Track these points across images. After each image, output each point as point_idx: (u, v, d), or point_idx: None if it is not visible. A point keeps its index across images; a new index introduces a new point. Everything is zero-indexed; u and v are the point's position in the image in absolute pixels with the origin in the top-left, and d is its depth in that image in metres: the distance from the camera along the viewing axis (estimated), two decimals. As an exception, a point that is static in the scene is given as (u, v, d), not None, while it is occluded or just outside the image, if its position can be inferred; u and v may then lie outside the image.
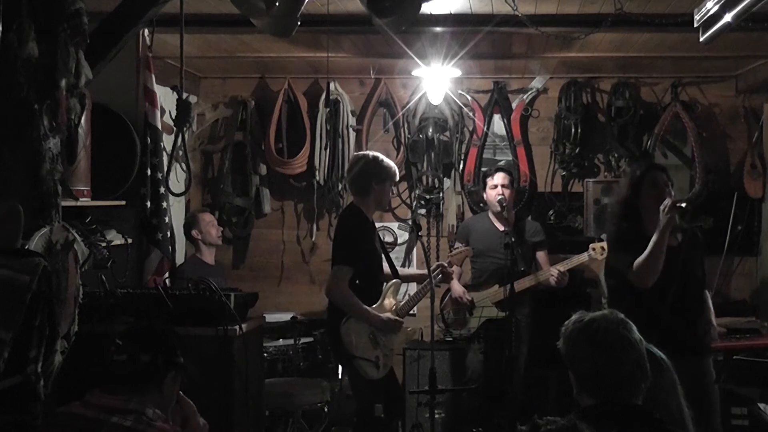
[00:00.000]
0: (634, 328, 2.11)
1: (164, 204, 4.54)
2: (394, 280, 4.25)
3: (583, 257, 4.95)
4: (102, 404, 2.30)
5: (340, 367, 5.17)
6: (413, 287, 4.57)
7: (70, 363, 2.80)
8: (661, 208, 3.50)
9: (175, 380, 2.46)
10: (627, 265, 3.61)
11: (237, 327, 3.36)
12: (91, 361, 2.54)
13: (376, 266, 4.16)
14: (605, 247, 4.87)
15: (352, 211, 4.18)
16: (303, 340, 5.13)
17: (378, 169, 4.12)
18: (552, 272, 4.90)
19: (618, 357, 2.03)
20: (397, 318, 4.11)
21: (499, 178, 5.06)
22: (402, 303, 4.28)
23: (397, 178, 4.29)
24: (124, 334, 2.46)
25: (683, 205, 3.48)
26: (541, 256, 5.17)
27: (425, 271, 4.47)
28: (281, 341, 5.18)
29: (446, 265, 4.46)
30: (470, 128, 5.90)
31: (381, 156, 4.19)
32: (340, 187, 5.82)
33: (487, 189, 5.12)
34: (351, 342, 3.96)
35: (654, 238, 3.48)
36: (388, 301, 4.17)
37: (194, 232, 5.17)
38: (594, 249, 4.92)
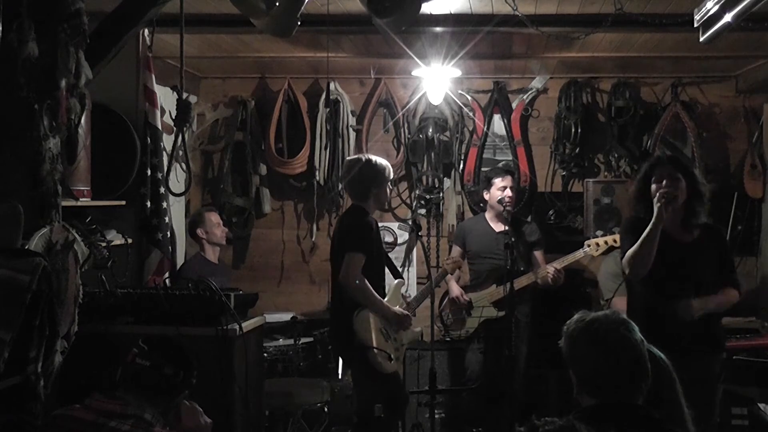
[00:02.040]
0: (636, 328, 2.10)
1: (164, 204, 4.54)
2: (398, 279, 4.27)
3: (579, 254, 4.94)
4: (101, 408, 2.30)
5: (340, 367, 5.17)
6: (412, 289, 4.59)
7: (71, 363, 2.80)
8: (654, 200, 3.52)
9: (183, 399, 2.47)
10: (623, 253, 3.64)
11: (237, 327, 3.36)
12: (106, 359, 2.54)
13: (381, 262, 4.19)
14: (600, 242, 4.89)
15: (357, 210, 4.20)
16: (303, 340, 5.12)
17: (375, 173, 4.14)
18: (548, 269, 4.90)
19: (619, 357, 2.03)
20: (408, 313, 4.16)
21: (508, 180, 5.07)
22: (406, 303, 4.29)
23: (392, 176, 4.30)
24: (149, 340, 2.46)
25: (667, 191, 3.48)
26: (537, 255, 5.17)
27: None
28: (281, 341, 5.17)
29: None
30: (470, 128, 5.90)
31: (374, 158, 4.21)
32: (340, 187, 5.82)
33: (494, 189, 5.09)
34: (366, 333, 3.94)
35: (646, 231, 3.49)
36: (394, 299, 4.19)
37: (199, 231, 5.18)
38: (589, 245, 4.92)
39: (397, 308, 4.11)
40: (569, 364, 2.10)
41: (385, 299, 4.11)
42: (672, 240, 3.59)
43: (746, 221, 5.60)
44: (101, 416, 2.28)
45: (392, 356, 4.01)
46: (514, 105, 5.88)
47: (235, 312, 3.38)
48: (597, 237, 5.02)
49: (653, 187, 3.59)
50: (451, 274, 4.92)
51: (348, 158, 4.55)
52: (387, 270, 4.33)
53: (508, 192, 5.02)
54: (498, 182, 5.09)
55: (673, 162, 3.69)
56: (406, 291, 4.48)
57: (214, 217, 5.24)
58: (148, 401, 2.34)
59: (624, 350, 2.04)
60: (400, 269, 5.88)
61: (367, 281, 3.95)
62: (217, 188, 5.96)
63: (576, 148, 5.72)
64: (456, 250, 5.30)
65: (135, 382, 2.37)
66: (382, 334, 4.01)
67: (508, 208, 4.95)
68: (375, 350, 3.91)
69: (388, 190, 4.29)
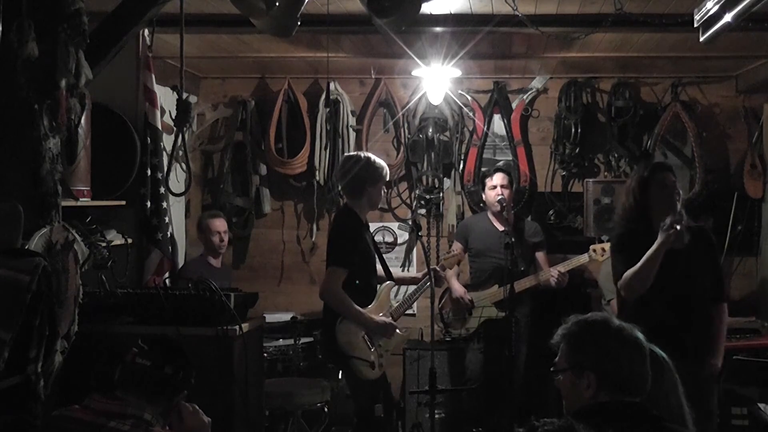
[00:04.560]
0: None
1: (164, 204, 4.55)
2: (388, 282, 4.25)
3: (584, 258, 4.95)
4: (100, 408, 2.30)
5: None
6: (410, 289, 4.57)
7: (71, 363, 2.80)
8: (661, 224, 3.44)
9: (182, 399, 2.47)
10: (620, 273, 3.57)
11: (237, 327, 3.36)
12: (107, 358, 2.54)
13: (370, 268, 4.16)
14: (605, 248, 4.88)
15: (345, 212, 4.19)
16: (303, 340, 5.12)
17: (371, 171, 4.11)
18: (552, 273, 4.90)
19: (645, 358, 2.06)
20: (391, 321, 4.12)
21: (498, 178, 5.07)
22: (396, 305, 4.27)
23: (388, 179, 4.30)
24: (148, 340, 2.46)
25: (678, 227, 3.40)
26: (540, 256, 5.18)
27: (417, 275, 4.52)
28: (281, 341, 5.18)
29: (439, 269, 4.46)
30: (470, 128, 5.90)
31: (373, 157, 4.19)
32: (340, 187, 5.81)
33: (486, 189, 5.12)
34: (347, 342, 3.96)
35: (647, 254, 3.43)
36: (382, 303, 4.17)
37: (199, 236, 5.24)
38: (594, 250, 4.93)
39: (378, 317, 4.07)
40: (590, 365, 2.07)
41: (373, 303, 4.10)
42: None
43: (746, 221, 5.60)
44: (101, 416, 2.27)
45: (375, 363, 4.01)
46: (514, 105, 5.88)
47: (235, 312, 3.38)
48: (603, 242, 5.02)
49: (660, 194, 3.53)
50: (449, 269, 4.89)
51: (346, 154, 4.51)
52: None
53: (498, 191, 5.02)
54: (488, 182, 5.10)
55: (670, 168, 3.68)
56: (397, 292, 4.47)
57: (214, 225, 5.23)
58: (147, 401, 2.34)
59: (646, 351, 2.07)
60: (400, 269, 5.91)
61: (344, 295, 3.95)
62: (217, 188, 5.96)
63: (576, 148, 5.72)
64: (457, 247, 5.29)
65: (135, 381, 2.36)
66: (365, 342, 4.01)
67: (503, 205, 4.94)
68: (354, 359, 3.93)
69: (382, 192, 4.27)
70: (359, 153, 4.29)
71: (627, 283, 3.52)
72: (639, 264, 3.45)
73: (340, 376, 5.13)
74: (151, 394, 2.35)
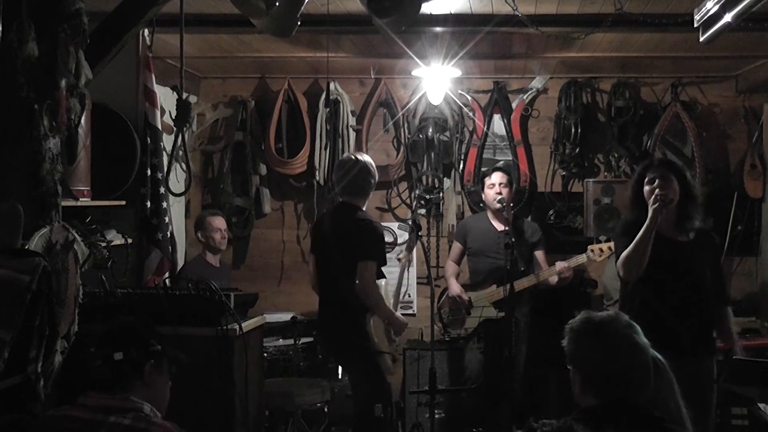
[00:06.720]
0: (641, 331, 2.12)
1: (164, 204, 4.54)
2: (383, 279, 4.32)
3: (582, 258, 4.95)
4: (99, 405, 2.28)
5: (340, 367, 5.16)
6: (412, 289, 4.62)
7: (70, 363, 2.80)
8: (649, 202, 3.58)
9: (157, 369, 2.38)
10: (617, 256, 3.71)
11: (237, 327, 3.36)
12: (76, 369, 2.51)
13: None
14: (603, 248, 4.89)
15: (360, 211, 4.24)
16: (303, 340, 5.12)
17: (374, 171, 4.25)
18: (558, 267, 4.90)
19: (630, 360, 2.05)
20: (406, 320, 4.23)
21: (497, 177, 5.07)
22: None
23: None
24: (96, 340, 2.42)
25: (662, 194, 3.54)
26: (539, 255, 5.18)
27: None
28: (281, 341, 5.18)
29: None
30: (470, 128, 5.90)
31: (368, 158, 4.32)
32: (339, 187, 5.81)
33: (485, 189, 5.13)
34: (378, 338, 4.01)
35: (640, 232, 3.55)
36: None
37: (199, 234, 5.25)
38: (593, 250, 4.93)
39: (400, 315, 4.20)
40: (576, 364, 2.09)
41: None
42: (667, 239, 3.65)
43: (746, 221, 5.60)
44: (99, 412, 2.26)
45: (395, 357, 4.06)
46: (514, 105, 5.88)
47: (235, 312, 3.38)
48: (600, 242, 5.02)
49: (646, 189, 3.64)
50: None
51: (345, 157, 4.48)
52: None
53: (497, 189, 5.03)
54: (487, 181, 5.11)
55: (665, 164, 3.76)
56: (406, 291, 4.50)
57: (215, 222, 5.24)
58: (125, 390, 2.30)
59: (636, 354, 2.05)
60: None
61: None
62: (217, 188, 5.96)
63: (576, 148, 5.72)
64: (456, 247, 5.31)
65: (100, 382, 2.32)
66: (386, 337, 4.06)
67: (503, 204, 4.94)
68: (385, 354, 3.98)
69: None
70: (357, 156, 4.33)
71: (622, 264, 3.64)
72: (632, 243, 3.57)
73: (340, 376, 5.14)
74: (122, 383, 2.31)
